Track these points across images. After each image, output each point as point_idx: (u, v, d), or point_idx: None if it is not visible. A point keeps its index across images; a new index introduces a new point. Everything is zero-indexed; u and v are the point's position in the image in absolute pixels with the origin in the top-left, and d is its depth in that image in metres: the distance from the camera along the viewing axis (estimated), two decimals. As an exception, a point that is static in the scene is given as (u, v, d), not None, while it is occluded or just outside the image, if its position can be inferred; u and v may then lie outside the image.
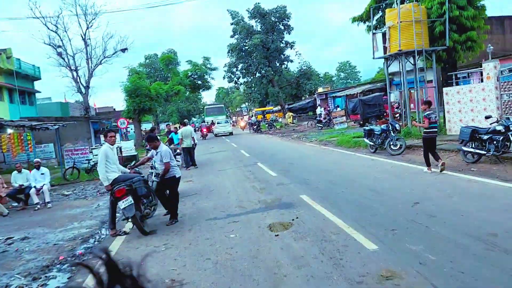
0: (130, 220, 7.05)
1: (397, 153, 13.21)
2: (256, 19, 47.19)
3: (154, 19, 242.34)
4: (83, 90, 31.00)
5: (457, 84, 16.73)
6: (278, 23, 47.33)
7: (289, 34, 48.22)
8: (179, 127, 16.97)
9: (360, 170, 11.25)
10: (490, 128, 10.06)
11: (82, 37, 30.84)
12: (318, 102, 45.51)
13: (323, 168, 12.33)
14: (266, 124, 41.24)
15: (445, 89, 15.56)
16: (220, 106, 53.64)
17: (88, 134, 27.17)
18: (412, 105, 17.50)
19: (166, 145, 13.97)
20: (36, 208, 11.12)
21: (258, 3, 46.39)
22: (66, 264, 6.20)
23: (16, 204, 11.86)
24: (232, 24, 47.51)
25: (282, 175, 11.72)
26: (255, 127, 39.76)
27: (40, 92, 38.00)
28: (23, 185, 11.61)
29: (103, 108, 55.19)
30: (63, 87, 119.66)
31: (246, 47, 46.29)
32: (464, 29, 15.96)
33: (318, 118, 32.81)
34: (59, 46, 29.83)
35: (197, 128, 47.23)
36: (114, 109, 55.75)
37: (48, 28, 29.16)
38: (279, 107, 52.14)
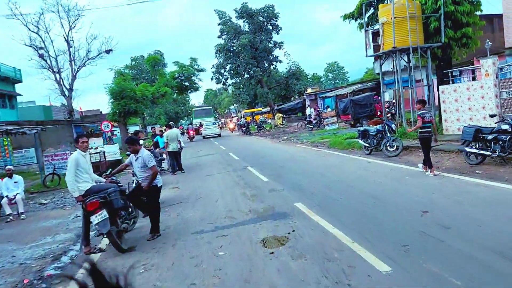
0: (105, 236, 6.25)
1: (394, 154, 12.58)
2: (244, 19, 46.33)
3: (141, 19, 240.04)
4: (66, 92, 29.86)
5: (453, 82, 16.19)
6: (266, 23, 46.52)
7: (278, 34, 47.46)
8: (165, 129, 16.17)
9: (357, 174, 10.56)
10: (495, 127, 9.48)
11: (65, 38, 29.75)
12: (308, 102, 44.81)
13: (317, 172, 11.63)
14: (255, 125, 40.50)
15: (441, 87, 14.99)
16: (208, 108, 52.95)
17: (71, 138, 26.07)
18: (404, 104, 16.90)
19: (152, 149, 13.41)
20: (8, 220, 10.29)
21: (246, 3, 45.52)
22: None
23: (-15, 215, 10.92)
24: (219, 24, 46.56)
25: (274, 180, 11.00)
26: (244, 128, 38.99)
27: (21, 95, 36.83)
28: (-7, 194, 10.68)
29: (89, 111, 54.55)
30: (47, 90, 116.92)
31: (234, 48, 45.39)
32: (460, 25, 15.41)
33: (308, 119, 32.19)
34: (41, 48, 28.68)
35: (184, 131, 46.19)
36: (101, 112, 54.57)
37: (29, 29, 28.01)
38: (268, 108, 51.35)
